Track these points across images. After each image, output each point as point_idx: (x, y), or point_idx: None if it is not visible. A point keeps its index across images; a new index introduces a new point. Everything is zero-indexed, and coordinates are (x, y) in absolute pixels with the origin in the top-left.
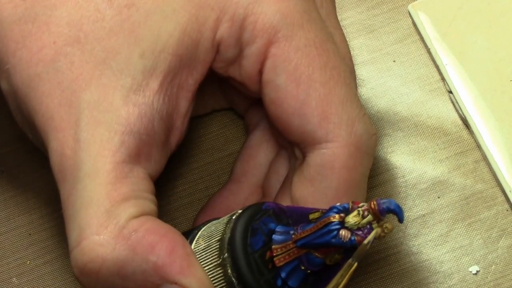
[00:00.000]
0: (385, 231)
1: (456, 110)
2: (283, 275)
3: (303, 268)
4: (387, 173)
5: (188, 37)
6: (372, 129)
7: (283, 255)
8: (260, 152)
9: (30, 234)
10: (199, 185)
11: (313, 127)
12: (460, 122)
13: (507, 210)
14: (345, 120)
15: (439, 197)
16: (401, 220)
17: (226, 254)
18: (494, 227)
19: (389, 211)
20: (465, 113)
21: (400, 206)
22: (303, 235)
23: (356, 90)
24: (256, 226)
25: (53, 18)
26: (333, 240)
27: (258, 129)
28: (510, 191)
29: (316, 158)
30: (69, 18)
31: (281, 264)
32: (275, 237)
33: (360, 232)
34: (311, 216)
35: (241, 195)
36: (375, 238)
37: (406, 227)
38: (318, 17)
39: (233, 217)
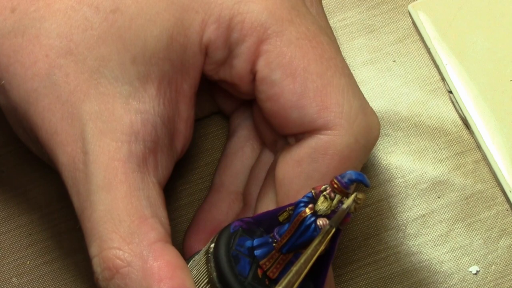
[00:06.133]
0: (358, 202)
1: (456, 110)
2: None
3: None
4: (387, 173)
5: (176, 42)
6: (376, 123)
7: (273, 266)
8: (235, 160)
9: (30, 234)
10: (199, 185)
11: (312, 117)
12: (460, 122)
13: (507, 210)
14: (347, 110)
15: (439, 197)
16: (367, 184)
17: None
18: (494, 227)
19: (352, 182)
20: (465, 113)
21: (361, 173)
22: (284, 240)
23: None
24: (235, 253)
25: (43, 30)
26: (315, 233)
27: (234, 136)
28: (510, 191)
29: (311, 141)
30: (59, 29)
31: (275, 276)
32: (257, 252)
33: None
34: (281, 218)
35: (223, 205)
36: (352, 213)
37: (406, 227)
38: (307, 12)
39: (209, 255)
